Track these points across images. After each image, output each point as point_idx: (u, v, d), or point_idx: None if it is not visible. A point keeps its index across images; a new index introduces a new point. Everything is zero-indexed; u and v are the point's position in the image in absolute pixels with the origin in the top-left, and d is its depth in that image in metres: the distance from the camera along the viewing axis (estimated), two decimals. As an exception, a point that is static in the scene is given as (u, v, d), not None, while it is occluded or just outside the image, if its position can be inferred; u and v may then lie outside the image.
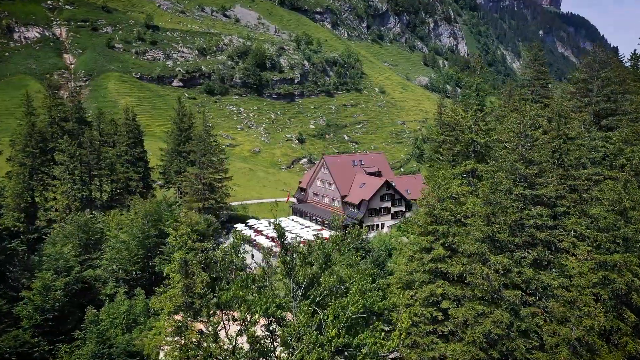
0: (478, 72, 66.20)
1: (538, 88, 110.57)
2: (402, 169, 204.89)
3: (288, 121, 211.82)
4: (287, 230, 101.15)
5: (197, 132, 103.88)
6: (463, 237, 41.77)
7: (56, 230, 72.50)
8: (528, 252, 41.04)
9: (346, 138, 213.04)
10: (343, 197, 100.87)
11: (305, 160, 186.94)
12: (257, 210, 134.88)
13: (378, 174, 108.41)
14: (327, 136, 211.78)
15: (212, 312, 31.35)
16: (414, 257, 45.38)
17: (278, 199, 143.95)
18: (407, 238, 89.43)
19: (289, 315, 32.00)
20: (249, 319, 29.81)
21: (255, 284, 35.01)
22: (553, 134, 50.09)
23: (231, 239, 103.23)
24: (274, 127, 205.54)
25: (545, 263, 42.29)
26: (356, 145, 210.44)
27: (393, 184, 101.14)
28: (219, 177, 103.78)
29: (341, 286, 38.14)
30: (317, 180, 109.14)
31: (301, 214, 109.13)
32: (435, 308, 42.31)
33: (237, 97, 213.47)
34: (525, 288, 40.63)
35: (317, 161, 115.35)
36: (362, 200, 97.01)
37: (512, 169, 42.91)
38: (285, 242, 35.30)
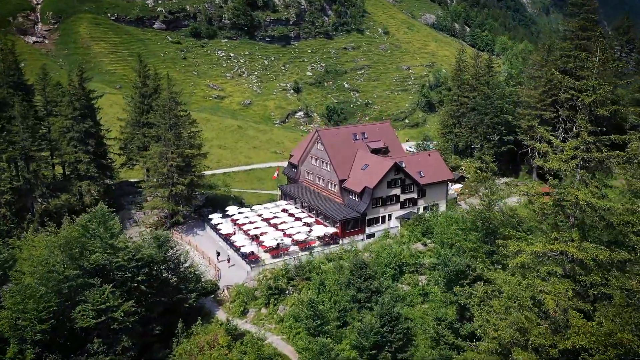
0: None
1: (584, 41, 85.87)
2: (406, 120, 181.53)
3: (283, 67, 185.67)
4: (273, 225, 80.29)
5: (162, 101, 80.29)
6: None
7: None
8: None
9: (346, 86, 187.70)
10: (341, 181, 78.90)
11: (301, 113, 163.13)
12: (244, 179, 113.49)
13: (384, 151, 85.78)
14: (325, 84, 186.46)
15: None
16: None
17: (269, 165, 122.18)
18: (425, 245, 68.39)
19: None
20: None
21: None
22: None
23: (207, 230, 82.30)
24: (267, 74, 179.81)
25: None
26: (357, 94, 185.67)
27: (403, 166, 78.90)
28: (191, 153, 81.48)
29: None
30: (311, 157, 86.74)
31: (292, 198, 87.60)
32: None
33: (226, 40, 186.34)
34: None
35: (309, 134, 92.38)
36: (365, 187, 75.15)
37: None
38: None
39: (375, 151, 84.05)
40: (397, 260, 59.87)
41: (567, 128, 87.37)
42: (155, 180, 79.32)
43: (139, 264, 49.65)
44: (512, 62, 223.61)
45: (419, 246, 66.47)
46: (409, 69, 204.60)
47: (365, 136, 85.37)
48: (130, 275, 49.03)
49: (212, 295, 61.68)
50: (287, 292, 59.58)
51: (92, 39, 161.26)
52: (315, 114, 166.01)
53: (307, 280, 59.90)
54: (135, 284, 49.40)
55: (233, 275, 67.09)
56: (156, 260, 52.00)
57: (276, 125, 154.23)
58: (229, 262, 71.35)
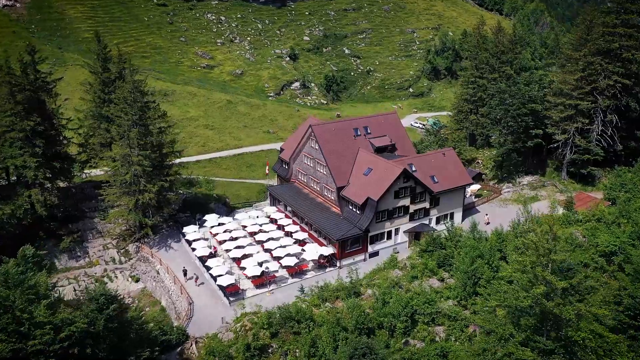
0: None
1: (635, 16, 68.97)
2: (410, 89, 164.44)
3: (278, 32, 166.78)
4: (258, 241, 65.91)
5: (122, 91, 64.13)
6: None
7: None
8: None
9: (346, 52, 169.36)
10: (340, 188, 64.22)
11: (297, 84, 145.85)
12: (232, 166, 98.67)
13: (391, 149, 70.54)
14: (324, 50, 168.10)
15: None
16: None
17: (260, 148, 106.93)
18: (442, 280, 54.21)
19: None
20: None
21: None
22: None
23: (182, 242, 67.70)
24: (261, 40, 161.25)
25: None
26: (358, 61, 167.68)
27: (413, 170, 63.93)
28: (160, 154, 66.71)
29: None
30: (304, 155, 71.64)
31: (281, 202, 72.90)
32: None
33: (217, 2, 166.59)
34: None
35: (303, 126, 76.16)
36: (368, 199, 60.56)
37: None
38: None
39: (380, 149, 68.98)
40: (409, 310, 46.01)
41: (607, 121, 71.78)
42: (117, 187, 64.62)
43: (66, 344, 35.78)
44: (523, 23, 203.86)
45: (434, 282, 52.42)
46: (414, 32, 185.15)
47: (368, 131, 69.94)
48: (53, 360, 35.21)
49: (179, 349, 48.21)
50: (270, 349, 46.05)
51: (68, 2, 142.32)
52: (312, 85, 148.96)
53: (295, 334, 46.28)
54: (62, 372, 35.67)
55: (208, 311, 53.63)
56: (95, 331, 38.07)
57: (270, 98, 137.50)
58: (196, 280, 58.37)
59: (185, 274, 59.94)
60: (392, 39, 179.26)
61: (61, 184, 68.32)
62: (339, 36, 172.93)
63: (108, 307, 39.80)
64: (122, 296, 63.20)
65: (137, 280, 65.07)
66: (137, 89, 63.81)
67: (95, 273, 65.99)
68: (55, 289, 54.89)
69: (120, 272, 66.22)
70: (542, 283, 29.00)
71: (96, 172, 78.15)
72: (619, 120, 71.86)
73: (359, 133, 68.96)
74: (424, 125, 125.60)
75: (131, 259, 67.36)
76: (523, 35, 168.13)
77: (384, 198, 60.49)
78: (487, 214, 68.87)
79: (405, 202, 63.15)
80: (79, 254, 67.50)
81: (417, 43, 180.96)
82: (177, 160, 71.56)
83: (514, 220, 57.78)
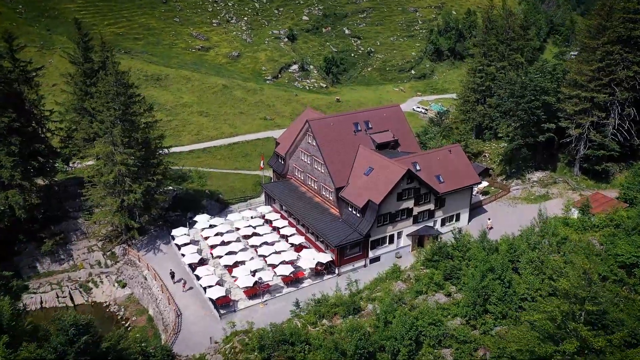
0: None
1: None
2: (412, 71, 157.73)
3: (276, 11, 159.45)
4: (252, 246, 61.15)
5: (105, 85, 58.48)
6: None
7: None
8: None
9: (346, 32, 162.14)
10: (339, 189, 59.29)
11: (295, 67, 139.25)
12: (227, 156, 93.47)
13: (393, 145, 65.32)
14: (324, 30, 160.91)
15: None
16: None
17: (256, 136, 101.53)
18: (448, 295, 49.56)
19: None
20: None
21: None
22: None
23: (172, 244, 62.06)
24: (259, 20, 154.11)
25: None
26: (358, 41, 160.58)
27: (417, 168, 58.92)
28: (146, 148, 61.57)
29: None
30: (301, 151, 66.46)
31: (276, 201, 67.98)
32: None
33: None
34: None
35: (300, 118, 70.56)
36: (369, 202, 55.72)
37: None
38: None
39: (382, 146, 63.82)
40: (413, 333, 41.57)
41: (625, 114, 66.40)
42: (101, 189, 59.64)
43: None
44: (528, 2, 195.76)
45: (441, 297, 47.87)
46: (416, 11, 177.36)
47: (369, 126, 64.60)
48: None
49: (164, 372, 44.00)
50: (262, 375, 41.84)
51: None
52: (311, 67, 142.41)
53: (289, 359, 41.98)
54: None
55: (197, 325, 49.37)
56: (63, 366, 33.65)
57: (267, 81, 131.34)
58: (184, 285, 54.20)
59: (172, 277, 55.75)
60: (394, 19, 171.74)
61: (42, 182, 63.35)
62: (339, 15, 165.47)
63: (79, 339, 35.26)
64: (107, 303, 59.80)
65: (123, 286, 60.73)
66: (120, 82, 58.32)
67: (80, 278, 61.67)
68: (27, 308, 50.74)
69: (106, 277, 61.85)
70: (573, 336, 24.38)
71: (83, 165, 73.25)
72: (637, 113, 66.55)
73: (359, 128, 63.68)
74: (426, 110, 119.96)
75: (117, 262, 62.91)
76: (529, 16, 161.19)
77: (386, 201, 55.57)
78: (489, 218, 63.67)
79: (409, 204, 58.26)
80: (62, 257, 62.99)
81: (420, 23, 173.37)
82: (170, 150, 66.81)
83: (528, 228, 52.98)
